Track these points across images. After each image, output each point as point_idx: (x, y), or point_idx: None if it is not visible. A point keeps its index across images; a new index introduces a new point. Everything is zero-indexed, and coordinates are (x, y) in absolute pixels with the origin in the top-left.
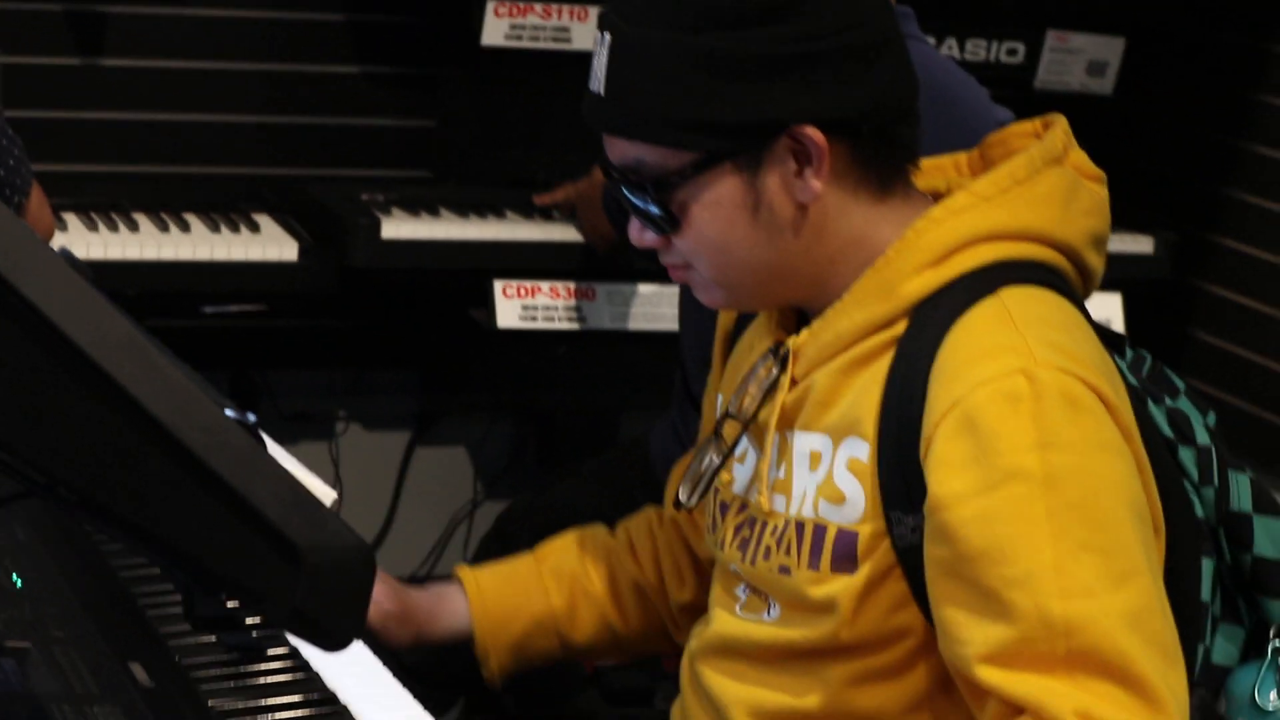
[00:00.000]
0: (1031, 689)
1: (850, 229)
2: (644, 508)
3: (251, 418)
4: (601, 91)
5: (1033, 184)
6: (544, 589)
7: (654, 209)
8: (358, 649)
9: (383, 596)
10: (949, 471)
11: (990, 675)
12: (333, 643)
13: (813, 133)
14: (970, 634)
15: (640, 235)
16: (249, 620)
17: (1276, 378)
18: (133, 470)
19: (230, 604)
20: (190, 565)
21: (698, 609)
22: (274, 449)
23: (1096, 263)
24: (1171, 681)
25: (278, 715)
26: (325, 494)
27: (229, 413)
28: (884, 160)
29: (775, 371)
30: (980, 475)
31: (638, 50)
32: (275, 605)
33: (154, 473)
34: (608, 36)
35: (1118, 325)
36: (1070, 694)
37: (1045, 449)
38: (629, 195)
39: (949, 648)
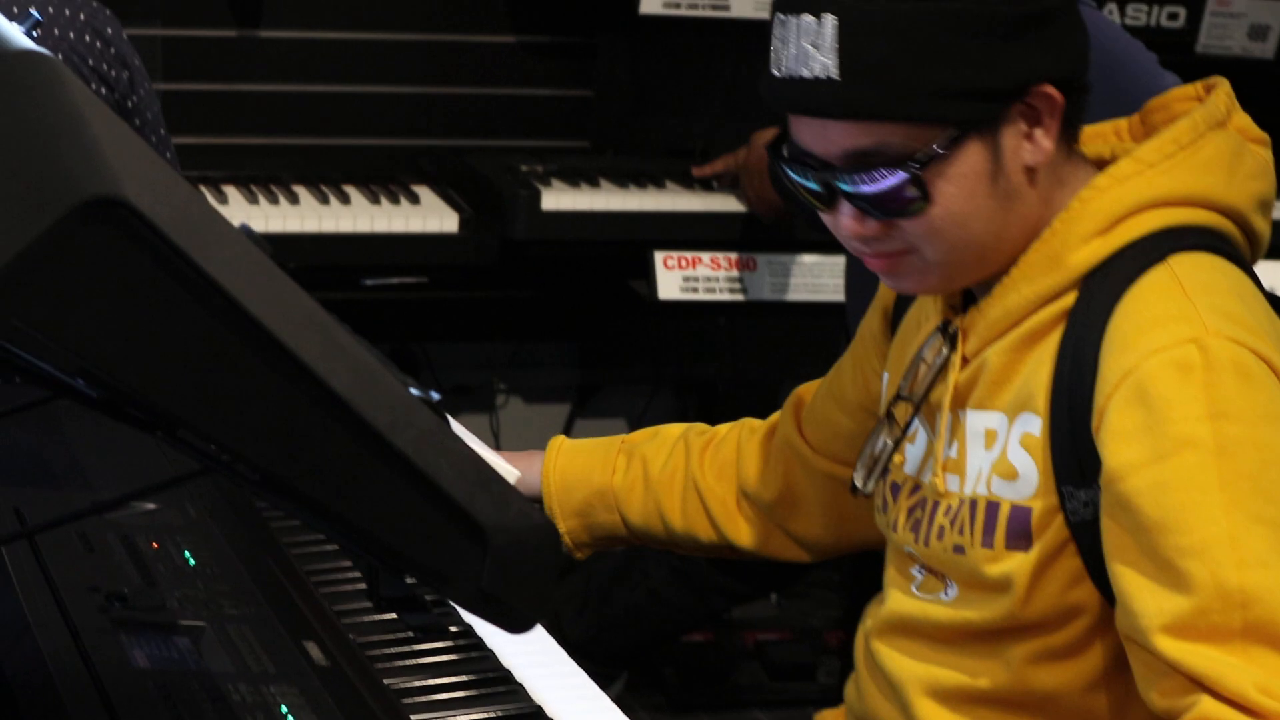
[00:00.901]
0: (1210, 664)
1: (1052, 193)
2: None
3: (435, 396)
4: (835, 75)
5: (1197, 149)
6: (611, 464)
7: (904, 191)
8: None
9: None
10: (1123, 442)
11: (1168, 646)
12: (518, 624)
13: (1051, 90)
14: (1146, 605)
15: (859, 226)
16: (429, 599)
17: None
18: (317, 449)
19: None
20: (374, 545)
21: (778, 505)
22: (457, 428)
23: (1264, 227)
24: None
25: (453, 694)
26: (509, 473)
27: (413, 390)
28: (1079, 120)
29: (945, 351)
30: (1153, 444)
31: (883, 23)
32: (461, 586)
33: (338, 451)
34: (829, 16)
35: None
36: (1248, 669)
37: (1217, 419)
38: (851, 185)
39: (1125, 619)
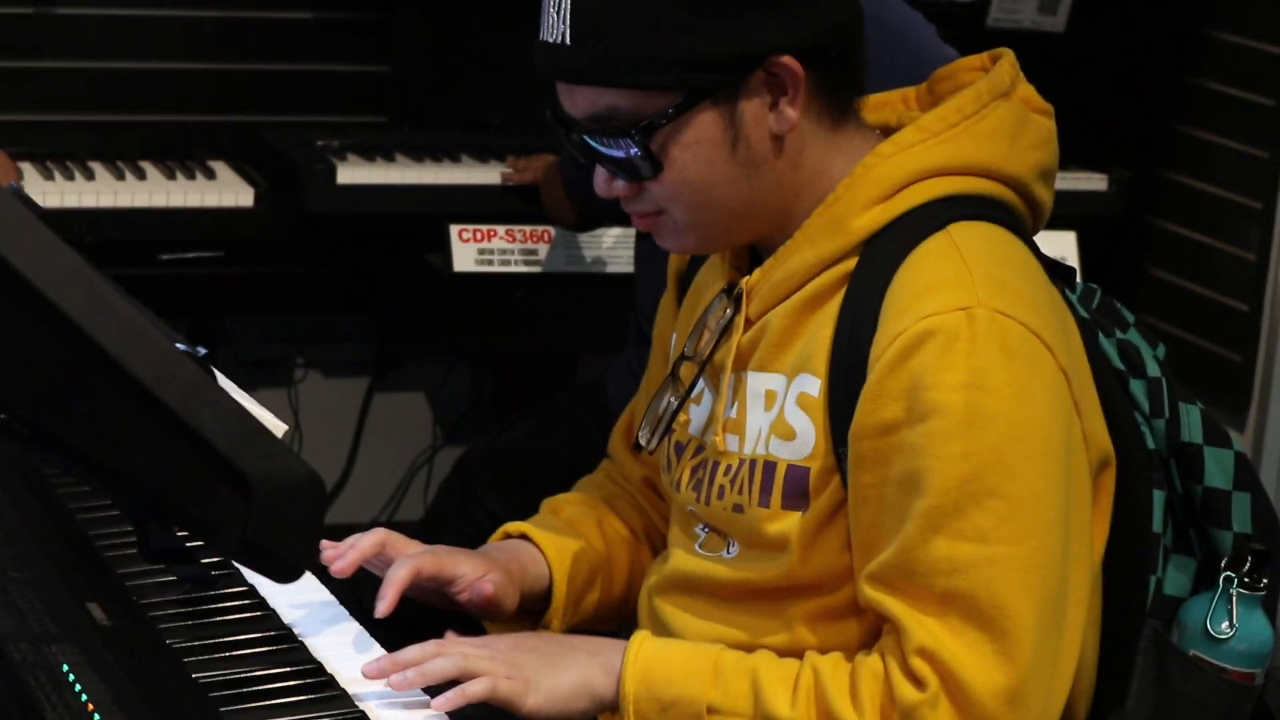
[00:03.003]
0: (896, 611)
1: (814, 160)
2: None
3: (202, 351)
4: (566, 40)
5: (980, 118)
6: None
7: (635, 155)
8: (311, 584)
9: (488, 569)
10: (880, 401)
11: (869, 592)
12: (284, 573)
13: (790, 61)
14: (871, 556)
15: (609, 185)
16: (202, 553)
17: (1229, 312)
18: (84, 402)
19: (182, 536)
20: (142, 497)
21: None
22: (225, 383)
23: (1045, 196)
24: (1047, 644)
25: (235, 652)
26: (276, 426)
27: (179, 345)
28: (841, 88)
29: (730, 312)
30: (908, 406)
31: None
32: (226, 536)
33: (105, 404)
34: None
35: (1072, 262)
36: (922, 631)
37: (973, 389)
38: (597, 146)
39: (856, 568)
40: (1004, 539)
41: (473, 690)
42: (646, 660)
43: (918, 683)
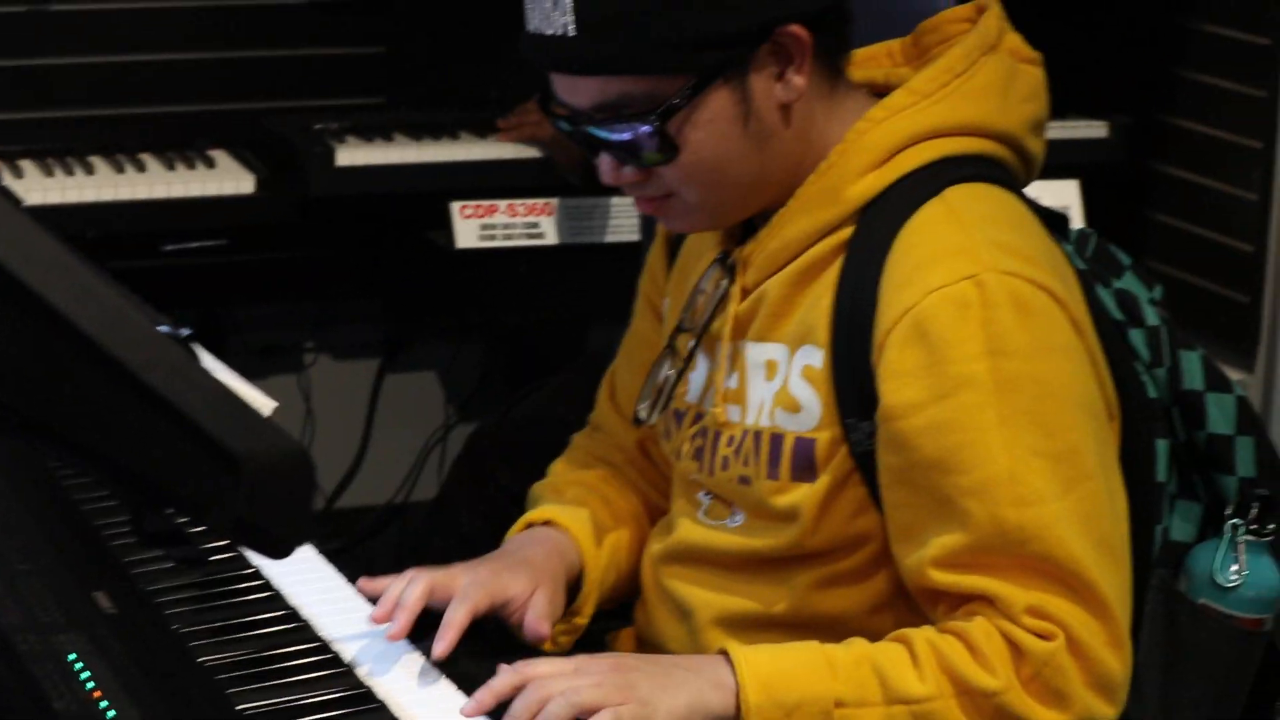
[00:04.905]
0: (984, 585)
1: (817, 126)
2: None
3: (185, 331)
4: (570, 30)
5: (971, 76)
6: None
7: (648, 141)
8: (318, 564)
9: (535, 583)
10: (902, 381)
11: (943, 577)
12: (278, 549)
13: (797, 30)
14: (924, 539)
15: (618, 173)
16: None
17: (1234, 253)
18: (70, 388)
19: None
20: (134, 480)
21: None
22: (211, 363)
23: (1037, 148)
24: (1116, 584)
25: (242, 634)
26: (264, 404)
27: (161, 328)
28: (839, 50)
29: (725, 282)
30: (932, 384)
31: None
32: (218, 515)
33: (90, 389)
34: None
35: (1075, 211)
36: (1022, 594)
37: (995, 356)
38: (606, 135)
39: (903, 552)
40: (1057, 495)
41: None
42: (761, 667)
43: (1042, 636)
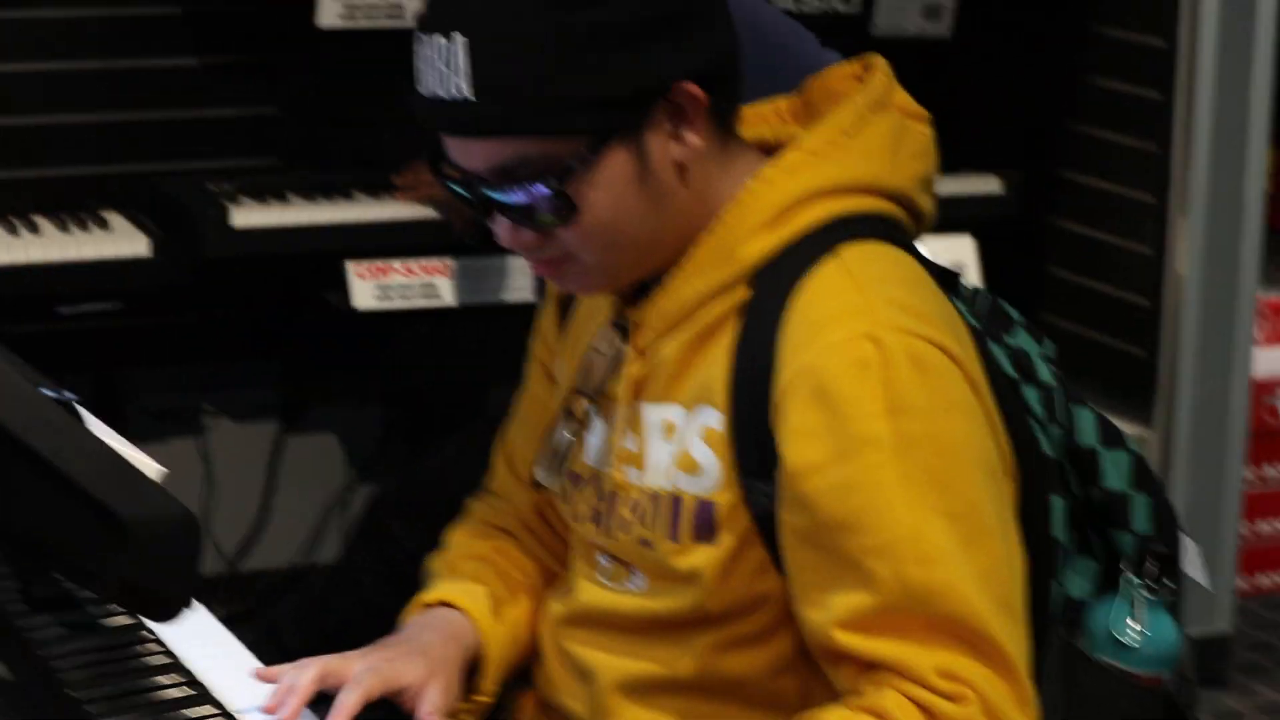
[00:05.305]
0: (891, 651)
1: (710, 185)
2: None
3: (70, 395)
4: (465, 94)
5: (861, 134)
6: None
7: (545, 203)
8: (213, 628)
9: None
10: (803, 441)
11: (849, 640)
12: (163, 612)
13: (691, 88)
14: (828, 600)
15: (515, 235)
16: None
17: (1130, 307)
18: None
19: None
20: (20, 545)
21: None
22: (97, 426)
23: (927, 205)
24: (1018, 643)
25: (139, 698)
26: (152, 468)
27: (45, 391)
28: (731, 109)
29: (620, 344)
30: (834, 444)
31: (511, 40)
32: (105, 579)
33: None
34: (459, 36)
35: (971, 267)
36: (929, 656)
37: (895, 414)
38: (501, 198)
39: (806, 614)
40: (959, 554)
41: None
42: None
43: (952, 698)
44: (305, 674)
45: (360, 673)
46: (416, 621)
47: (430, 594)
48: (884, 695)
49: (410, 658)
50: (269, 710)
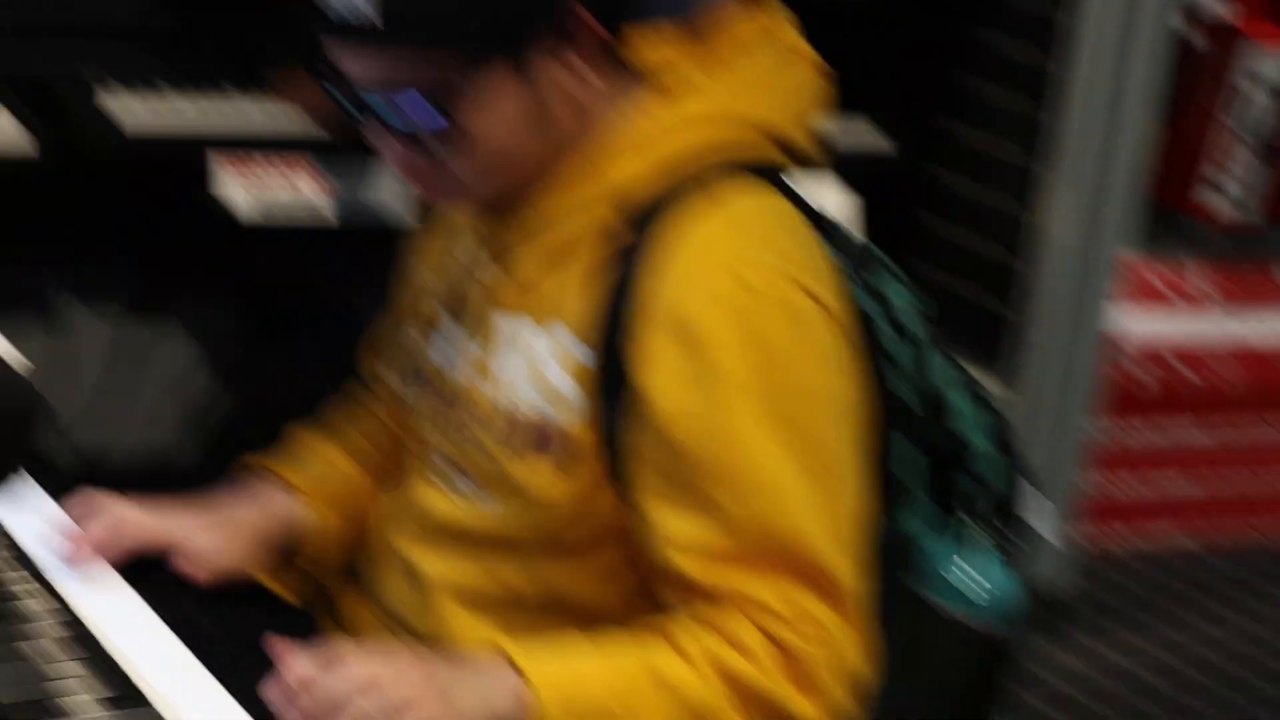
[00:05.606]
0: (740, 582)
1: (593, 109)
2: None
3: None
4: (355, 2)
5: (743, 67)
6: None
7: (430, 122)
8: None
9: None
10: (662, 376)
11: (691, 565)
12: None
13: (580, 10)
14: (674, 527)
15: (396, 150)
16: None
17: (1000, 266)
18: None
19: None
20: None
21: None
22: None
23: (807, 143)
24: (858, 581)
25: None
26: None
27: None
28: (619, 35)
29: (477, 251)
30: (695, 382)
31: None
32: None
33: None
34: None
35: (849, 213)
36: (772, 588)
37: (757, 354)
38: (385, 114)
39: (649, 537)
40: (814, 497)
41: None
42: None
43: (804, 635)
44: (95, 523)
45: (141, 521)
46: (234, 497)
47: (272, 463)
48: (740, 625)
49: (192, 515)
50: (66, 558)
